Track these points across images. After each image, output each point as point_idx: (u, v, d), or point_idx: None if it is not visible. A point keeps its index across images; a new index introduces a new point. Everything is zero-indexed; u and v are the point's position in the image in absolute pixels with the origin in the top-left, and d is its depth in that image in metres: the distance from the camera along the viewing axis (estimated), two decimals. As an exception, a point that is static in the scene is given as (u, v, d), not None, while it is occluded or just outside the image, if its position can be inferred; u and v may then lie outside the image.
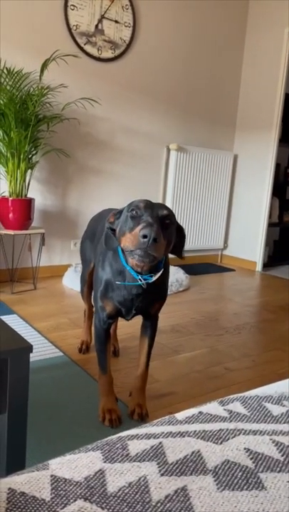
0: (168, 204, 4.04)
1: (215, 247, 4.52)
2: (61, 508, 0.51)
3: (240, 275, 4.10)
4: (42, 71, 2.87)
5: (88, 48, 3.31)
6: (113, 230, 1.30)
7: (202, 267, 4.24)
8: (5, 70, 2.83)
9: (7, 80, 2.85)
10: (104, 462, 0.59)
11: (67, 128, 3.28)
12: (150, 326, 1.56)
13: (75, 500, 0.52)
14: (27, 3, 3.00)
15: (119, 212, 1.29)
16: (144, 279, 1.28)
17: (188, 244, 4.27)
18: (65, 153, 3.24)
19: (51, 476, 0.56)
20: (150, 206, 1.18)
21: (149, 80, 3.74)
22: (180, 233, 1.33)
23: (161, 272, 1.32)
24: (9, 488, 0.53)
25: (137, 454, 0.61)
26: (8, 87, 2.82)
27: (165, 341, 2.27)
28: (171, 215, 1.20)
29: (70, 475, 0.56)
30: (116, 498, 0.53)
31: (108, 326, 1.49)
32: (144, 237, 1.08)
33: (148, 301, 1.41)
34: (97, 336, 1.50)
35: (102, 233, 1.66)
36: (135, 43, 3.57)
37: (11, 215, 2.86)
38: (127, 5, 3.45)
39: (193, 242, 4.31)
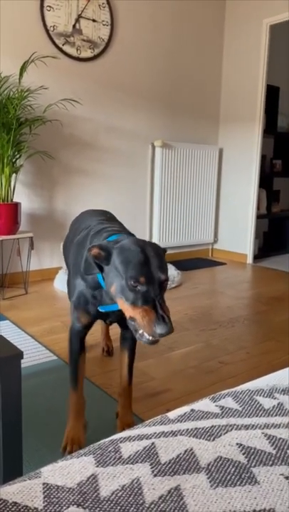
0: (156, 202, 4.04)
1: (205, 241, 4.53)
2: (54, 516, 0.50)
3: (232, 268, 4.11)
4: (21, 74, 2.85)
5: (67, 48, 3.29)
6: (98, 264, 1.16)
7: (193, 262, 4.24)
8: (-17, 75, 2.81)
9: (-14, 84, 2.82)
10: (97, 466, 0.59)
11: (50, 130, 3.26)
12: (131, 337, 1.43)
13: (67, 507, 0.52)
14: (2, 6, 2.97)
15: (107, 250, 1.12)
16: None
17: (179, 240, 4.27)
18: (49, 155, 3.22)
19: (43, 484, 0.55)
20: (151, 275, 1.06)
21: (130, 78, 3.73)
22: None
23: None
24: (1, 499, 0.53)
25: (130, 456, 0.61)
26: (-13, 92, 2.80)
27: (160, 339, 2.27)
28: (167, 274, 1.12)
29: (62, 482, 0.56)
30: (109, 502, 0.53)
31: (84, 335, 1.40)
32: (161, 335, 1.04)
33: None
34: (70, 345, 1.39)
35: (74, 235, 1.54)
36: (114, 41, 3.56)
37: (-3, 220, 2.84)
38: (103, 3, 3.43)
39: (184, 238, 4.32)
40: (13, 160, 2.93)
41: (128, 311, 1.08)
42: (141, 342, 1.10)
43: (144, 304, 1.04)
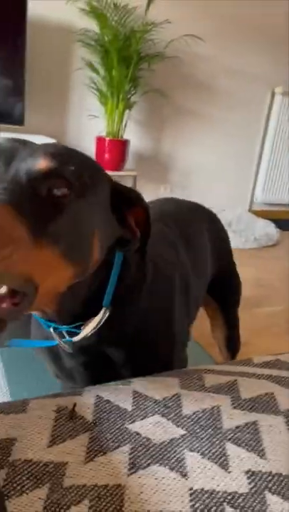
0: (265, 153, 3.83)
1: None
2: (141, 419, 0.57)
3: None
4: (148, 6, 2.78)
5: (198, -22, 3.11)
6: None
7: (295, 223, 4.02)
8: (111, 5, 2.79)
9: (113, 15, 2.80)
10: (181, 388, 0.64)
11: (167, 67, 3.18)
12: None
13: (153, 415, 0.58)
14: None
15: None
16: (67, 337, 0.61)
17: (284, 197, 4.04)
18: (164, 93, 3.17)
19: (133, 391, 0.62)
20: (7, 152, 0.48)
21: (259, 16, 3.43)
22: (130, 206, 0.58)
23: (102, 317, 0.59)
24: (97, 395, 0.61)
25: (212, 386, 0.65)
26: (113, 23, 2.79)
27: (248, 294, 2.25)
28: (65, 169, 0.48)
29: (150, 393, 0.62)
30: (190, 419, 0.58)
31: None
32: None
33: None
34: None
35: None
36: (249, -28, 3.27)
37: (106, 155, 2.94)
38: None
39: (289, 196, 4.08)
40: (128, 96, 2.95)
41: None
42: None
43: None
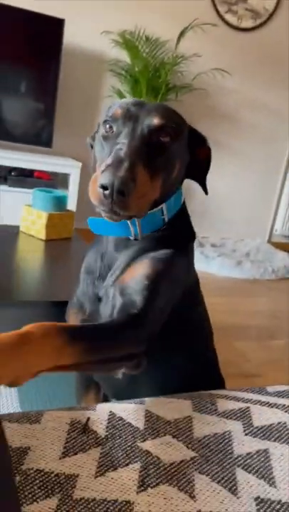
0: (287, 186, 3.86)
1: None
2: (152, 438, 0.57)
3: None
4: (178, 40, 2.88)
5: (228, 16, 3.22)
6: None
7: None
8: (143, 38, 2.90)
9: (144, 47, 2.92)
10: (194, 411, 0.64)
11: (194, 98, 3.27)
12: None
13: (164, 435, 0.58)
14: None
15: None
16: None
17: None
18: (190, 124, 3.25)
19: (146, 410, 0.63)
20: (133, 115, 0.70)
21: (285, 51, 3.53)
22: (200, 145, 0.84)
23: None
24: (110, 411, 0.61)
25: (225, 411, 0.65)
26: (144, 55, 2.90)
27: (262, 324, 2.25)
28: (168, 125, 0.70)
29: (162, 414, 0.62)
30: (200, 443, 0.58)
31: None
32: (104, 188, 0.61)
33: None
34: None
35: None
36: (278, 14, 3.37)
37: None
38: None
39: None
40: (155, 124, 3.02)
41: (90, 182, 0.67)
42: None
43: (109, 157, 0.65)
